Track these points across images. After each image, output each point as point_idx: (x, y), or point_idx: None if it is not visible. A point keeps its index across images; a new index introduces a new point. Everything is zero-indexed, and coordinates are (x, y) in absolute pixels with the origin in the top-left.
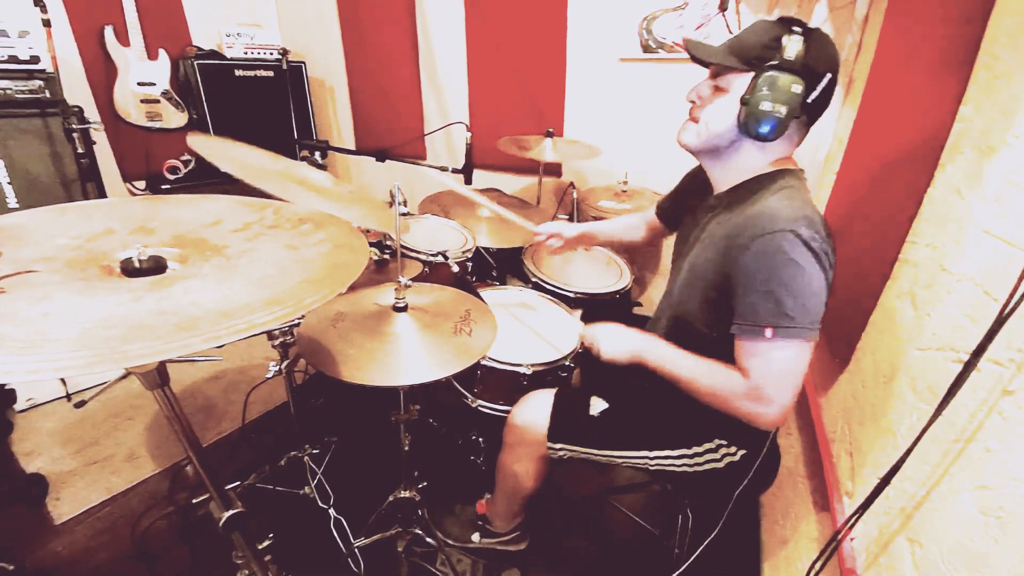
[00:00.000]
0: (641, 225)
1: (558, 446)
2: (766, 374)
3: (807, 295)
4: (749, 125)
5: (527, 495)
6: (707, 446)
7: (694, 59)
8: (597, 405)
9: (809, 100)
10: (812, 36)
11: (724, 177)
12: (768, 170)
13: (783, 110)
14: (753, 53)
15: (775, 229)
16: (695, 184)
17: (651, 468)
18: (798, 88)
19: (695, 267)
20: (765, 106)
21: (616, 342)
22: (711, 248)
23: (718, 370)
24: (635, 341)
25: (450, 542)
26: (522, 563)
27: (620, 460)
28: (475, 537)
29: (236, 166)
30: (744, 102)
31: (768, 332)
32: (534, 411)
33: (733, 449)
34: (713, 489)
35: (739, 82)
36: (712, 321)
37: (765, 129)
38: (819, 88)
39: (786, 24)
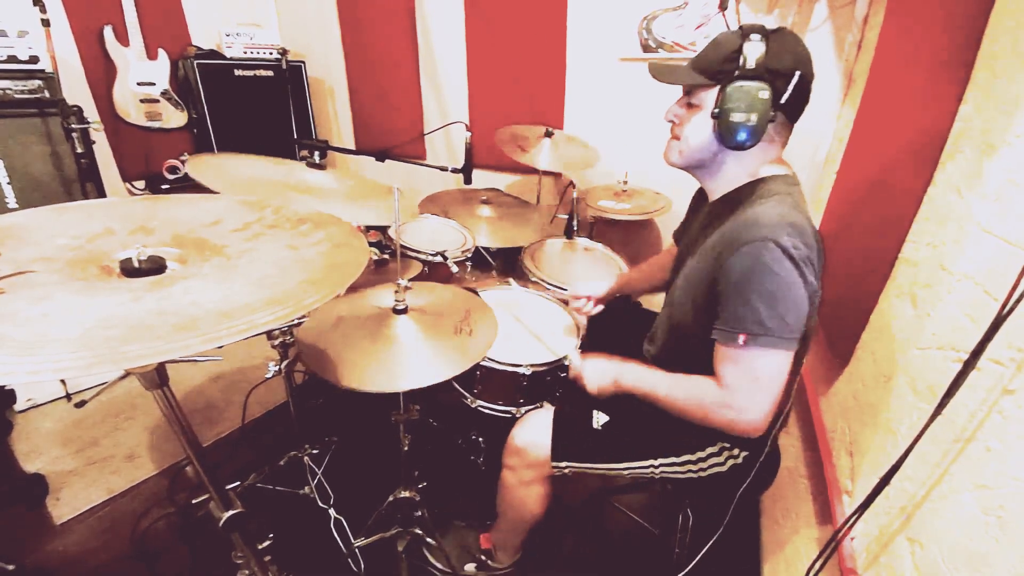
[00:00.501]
0: (668, 260)
1: (563, 464)
2: (738, 381)
3: (784, 305)
4: (724, 137)
5: (533, 522)
6: (710, 450)
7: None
8: (599, 418)
9: (782, 100)
10: (772, 39)
11: (715, 187)
12: (758, 176)
13: (754, 117)
14: (716, 67)
15: (757, 238)
16: (699, 197)
17: (656, 476)
18: (765, 93)
19: (690, 276)
20: (736, 117)
21: (597, 376)
22: (704, 256)
23: (692, 381)
24: (612, 371)
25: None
26: (522, 563)
27: (627, 472)
28: (469, 567)
29: (235, 183)
30: (715, 116)
31: (741, 339)
32: (535, 432)
33: (736, 451)
34: (716, 491)
35: (709, 97)
36: (705, 328)
37: (741, 137)
38: (790, 87)
39: (745, 32)
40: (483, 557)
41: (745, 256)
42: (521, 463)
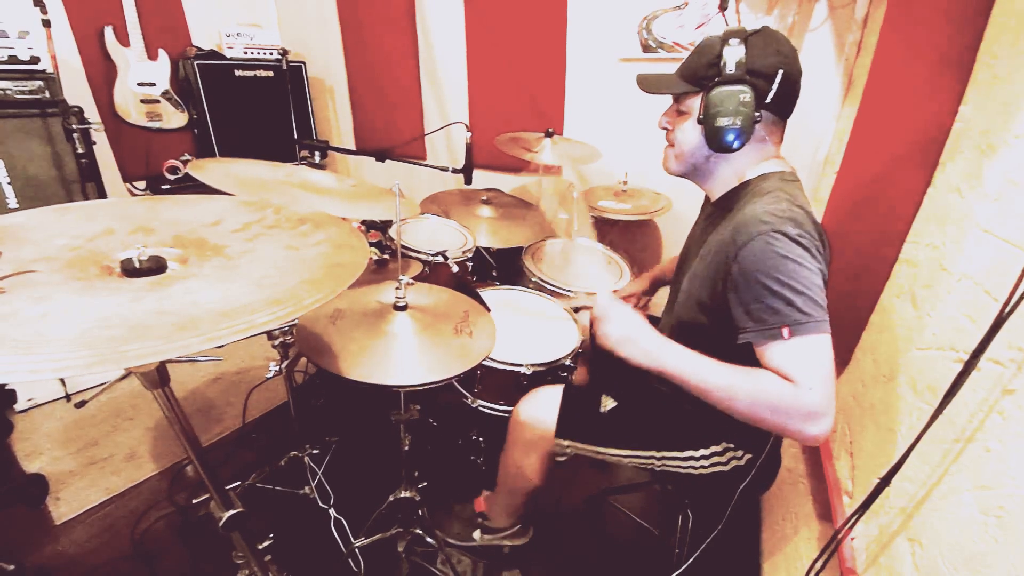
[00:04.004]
0: None
1: (565, 443)
2: (810, 374)
3: (810, 289)
4: (712, 141)
5: (531, 491)
6: (714, 449)
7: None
8: (607, 403)
9: (768, 99)
10: (752, 41)
11: (713, 189)
12: (753, 174)
13: (738, 120)
14: (700, 73)
15: (764, 230)
16: (705, 201)
17: (656, 469)
18: (746, 96)
19: (694, 278)
20: (720, 121)
21: (623, 330)
22: (707, 257)
23: (757, 379)
24: (646, 340)
25: (451, 541)
26: (523, 563)
27: (627, 459)
28: (476, 535)
29: (237, 183)
30: (701, 121)
31: (785, 332)
32: (541, 407)
33: (740, 453)
34: (715, 491)
35: (696, 103)
36: (714, 326)
37: (728, 140)
38: (774, 87)
39: (725, 37)
40: (480, 520)
41: (755, 251)
42: (524, 436)
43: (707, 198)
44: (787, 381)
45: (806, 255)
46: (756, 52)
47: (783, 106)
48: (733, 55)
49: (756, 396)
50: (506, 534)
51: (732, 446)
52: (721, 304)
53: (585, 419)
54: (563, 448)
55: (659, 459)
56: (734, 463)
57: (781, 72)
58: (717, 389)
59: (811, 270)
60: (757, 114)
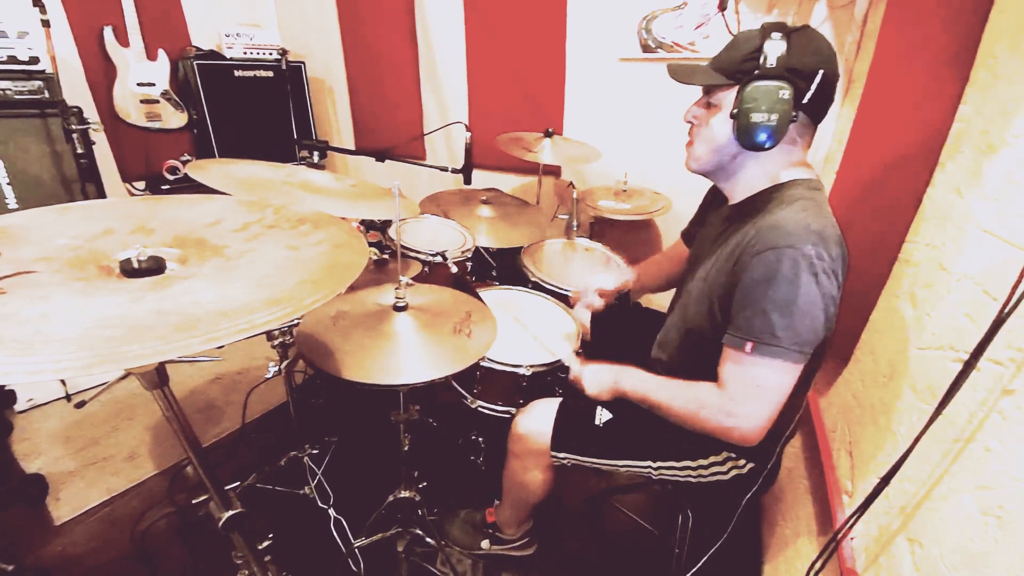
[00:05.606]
0: (675, 257)
1: (562, 455)
2: (739, 387)
3: (798, 317)
4: (743, 138)
5: (535, 503)
6: (713, 459)
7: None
8: (602, 415)
9: (805, 100)
10: (794, 37)
11: (735, 191)
12: (780, 179)
13: (774, 118)
14: (736, 66)
15: (779, 245)
16: (713, 198)
17: (654, 477)
18: (785, 93)
19: (707, 280)
20: (755, 117)
21: (596, 381)
22: (723, 258)
23: (691, 387)
24: (611, 376)
25: (458, 549)
26: (523, 563)
27: (624, 469)
28: (484, 544)
29: (236, 184)
30: (734, 116)
31: (748, 346)
32: (538, 421)
33: (742, 462)
34: (716, 496)
35: (729, 97)
36: (720, 331)
37: (761, 138)
38: (812, 87)
39: (766, 31)
40: (490, 531)
41: (764, 263)
42: (523, 450)
43: (717, 199)
44: (717, 387)
45: (811, 282)
46: (798, 49)
47: (818, 109)
48: (774, 50)
49: (687, 400)
50: (514, 545)
51: (733, 455)
52: (728, 298)
53: (580, 432)
54: (560, 461)
55: (656, 468)
56: (735, 472)
57: (821, 72)
58: (659, 401)
59: (811, 298)
60: (794, 114)
